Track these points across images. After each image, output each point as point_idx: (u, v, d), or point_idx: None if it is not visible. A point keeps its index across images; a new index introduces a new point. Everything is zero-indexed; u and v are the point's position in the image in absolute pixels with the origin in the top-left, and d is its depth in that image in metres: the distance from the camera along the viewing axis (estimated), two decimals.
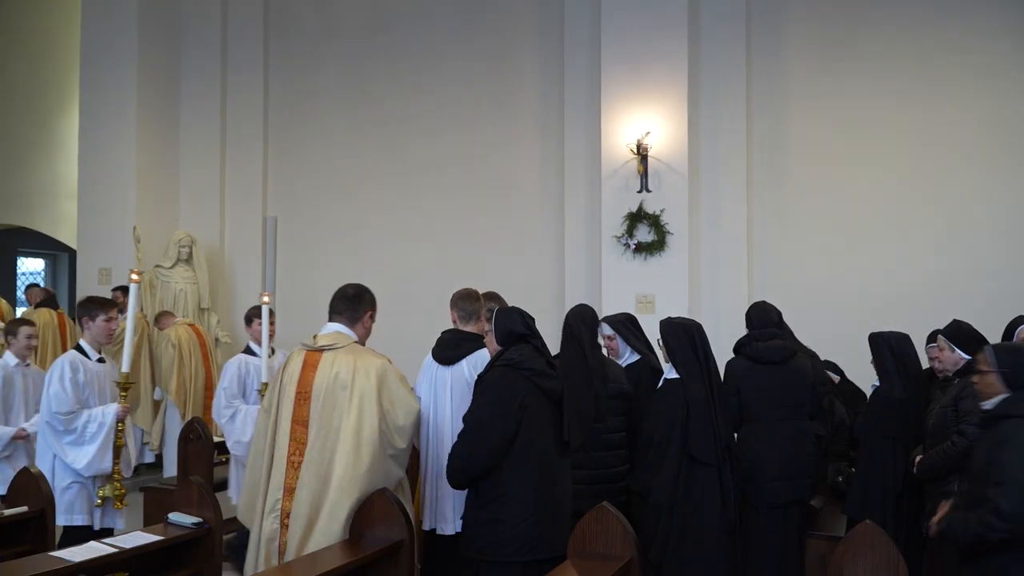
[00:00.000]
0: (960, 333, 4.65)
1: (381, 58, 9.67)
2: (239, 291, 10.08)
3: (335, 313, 4.15)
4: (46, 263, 15.16)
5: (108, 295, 9.08)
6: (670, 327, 4.64)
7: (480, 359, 4.44)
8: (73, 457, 4.97)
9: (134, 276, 5.06)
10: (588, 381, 4.30)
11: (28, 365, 5.86)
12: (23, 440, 5.61)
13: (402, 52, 9.58)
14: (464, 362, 4.52)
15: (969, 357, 4.37)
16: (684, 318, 4.81)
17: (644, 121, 7.89)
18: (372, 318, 4.16)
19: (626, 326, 5.31)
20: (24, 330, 5.88)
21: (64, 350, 9.03)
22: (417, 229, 9.43)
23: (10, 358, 5.82)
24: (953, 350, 4.60)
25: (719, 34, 8.08)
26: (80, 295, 9.86)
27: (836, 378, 6.05)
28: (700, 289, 7.99)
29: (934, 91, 7.63)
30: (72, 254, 11.84)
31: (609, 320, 5.36)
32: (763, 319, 5.14)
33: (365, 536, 3.78)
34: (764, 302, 5.37)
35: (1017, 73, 7.41)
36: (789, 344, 5.11)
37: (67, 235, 11.86)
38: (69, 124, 11.42)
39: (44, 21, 12.50)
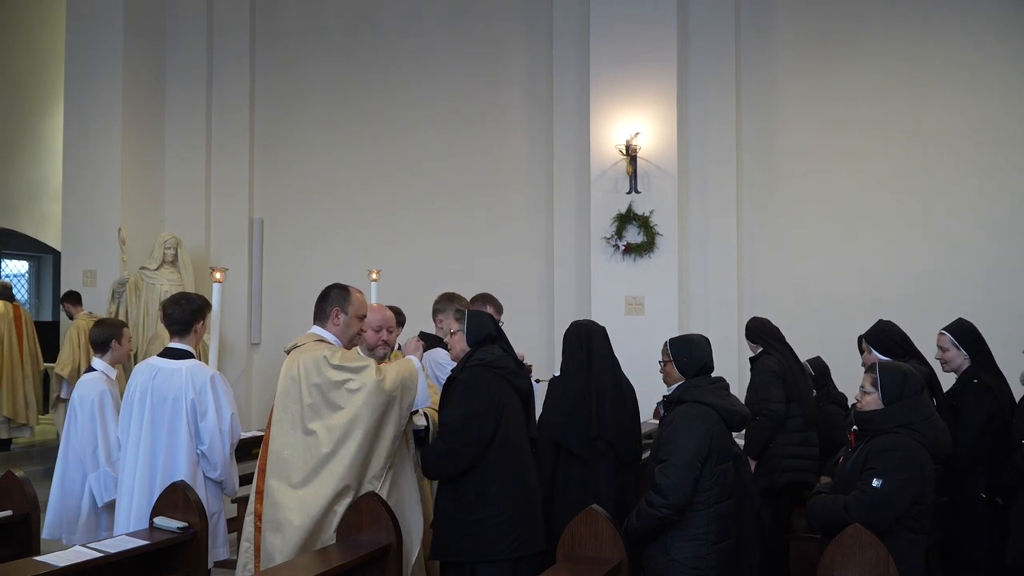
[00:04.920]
0: (881, 336, 4.47)
1: (368, 59, 9.61)
2: (225, 293, 9.96)
3: (313, 316, 4.18)
4: (30, 265, 15.02)
5: (92, 297, 9.04)
6: (571, 327, 4.75)
7: (427, 358, 4.65)
8: (234, 478, 4.50)
9: (217, 276, 4.92)
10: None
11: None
12: None
13: (390, 52, 9.53)
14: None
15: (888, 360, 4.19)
16: (589, 320, 4.86)
17: (633, 122, 7.88)
18: (343, 313, 4.00)
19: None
20: (126, 332, 4.96)
21: (20, 346, 8.88)
22: (405, 230, 9.37)
23: (108, 369, 4.82)
24: (871, 351, 4.46)
25: (708, 35, 8.08)
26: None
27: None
28: (689, 290, 7.98)
29: (923, 91, 7.66)
30: (56, 256, 11.72)
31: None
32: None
33: (352, 540, 3.73)
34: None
35: (1006, 74, 7.44)
36: None
37: (51, 237, 11.74)
38: (53, 125, 11.30)
39: (28, 20, 12.38)
